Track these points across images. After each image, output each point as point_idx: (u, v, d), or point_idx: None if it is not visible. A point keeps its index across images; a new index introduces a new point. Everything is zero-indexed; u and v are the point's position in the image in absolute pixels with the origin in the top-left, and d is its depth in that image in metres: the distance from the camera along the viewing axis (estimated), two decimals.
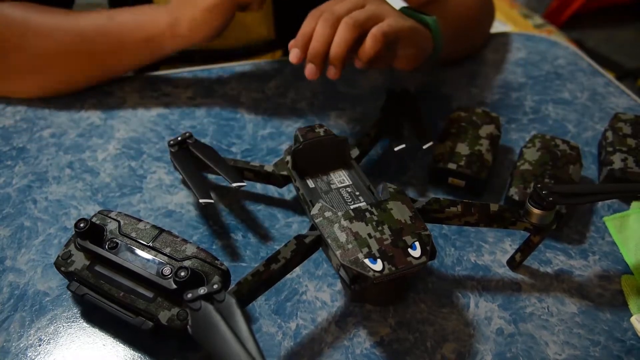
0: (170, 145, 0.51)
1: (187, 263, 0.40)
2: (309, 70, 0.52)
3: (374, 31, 0.51)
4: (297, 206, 0.53)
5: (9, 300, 0.44)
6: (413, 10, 0.59)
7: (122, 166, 0.56)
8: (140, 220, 0.44)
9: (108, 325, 0.42)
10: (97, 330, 0.42)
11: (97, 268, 0.41)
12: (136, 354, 0.40)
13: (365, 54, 0.51)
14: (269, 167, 0.51)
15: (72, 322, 0.42)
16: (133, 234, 0.42)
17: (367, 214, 0.40)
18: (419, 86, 0.69)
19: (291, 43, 0.53)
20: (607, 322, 0.44)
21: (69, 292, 0.43)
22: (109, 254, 0.41)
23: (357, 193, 0.46)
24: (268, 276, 0.39)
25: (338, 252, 0.38)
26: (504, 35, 0.80)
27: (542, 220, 0.42)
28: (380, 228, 0.39)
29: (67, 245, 0.42)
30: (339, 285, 0.46)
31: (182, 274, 0.38)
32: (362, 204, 0.44)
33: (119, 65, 0.64)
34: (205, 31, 0.59)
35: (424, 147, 0.52)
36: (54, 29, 0.60)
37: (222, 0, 0.57)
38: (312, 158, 0.49)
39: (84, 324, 0.42)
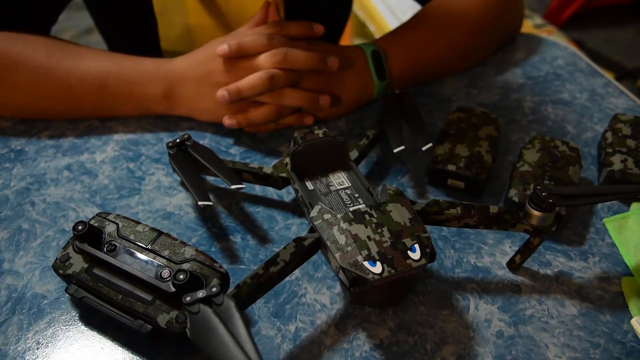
0: (168, 147, 0.50)
1: (185, 266, 0.40)
2: (221, 96, 0.54)
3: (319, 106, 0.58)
4: (296, 208, 0.52)
5: (6, 303, 0.43)
6: (378, 56, 0.61)
7: (120, 168, 0.56)
8: (138, 223, 0.44)
9: (106, 328, 0.42)
10: (95, 333, 0.42)
11: (96, 271, 0.41)
12: (134, 357, 0.40)
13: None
14: (267, 169, 0.50)
15: (71, 325, 0.42)
16: (131, 237, 0.42)
17: (367, 216, 0.40)
18: (418, 87, 0.69)
19: (225, 48, 0.54)
20: (607, 324, 0.43)
21: (67, 295, 0.43)
22: (107, 257, 0.40)
23: (357, 195, 0.46)
24: (267, 279, 0.38)
25: (337, 255, 0.38)
26: None
27: (541, 222, 0.42)
28: (379, 230, 0.39)
29: (65, 247, 0.42)
30: (338, 288, 0.45)
31: (181, 276, 0.38)
32: (362, 206, 0.43)
33: (107, 116, 0.62)
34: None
35: (423, 148, 0.52)
36: (47, 75, 0.56)
37: (229, 124, 0.57)
38: (311, 160, 0.49)
39: (82, 327, 0.42)
